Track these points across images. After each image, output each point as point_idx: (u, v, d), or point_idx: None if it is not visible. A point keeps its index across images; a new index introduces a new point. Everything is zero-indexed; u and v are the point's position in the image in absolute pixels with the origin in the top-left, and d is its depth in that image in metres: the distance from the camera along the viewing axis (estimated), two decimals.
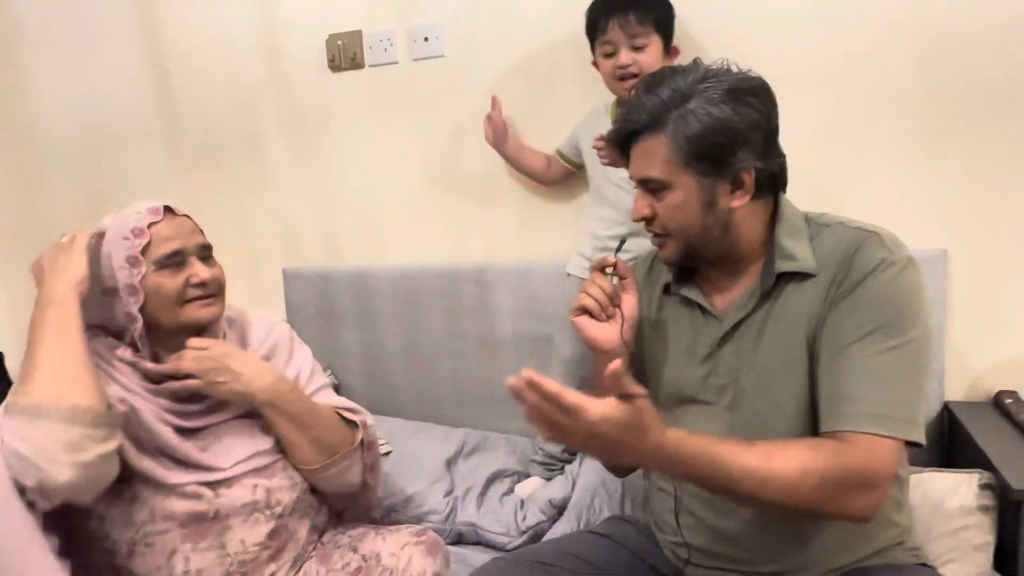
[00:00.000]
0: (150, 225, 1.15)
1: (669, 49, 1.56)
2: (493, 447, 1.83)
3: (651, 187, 1.01)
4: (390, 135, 2.03)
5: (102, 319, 1.18)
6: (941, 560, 1.21)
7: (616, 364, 0.80)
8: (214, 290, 1.20)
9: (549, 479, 1.69)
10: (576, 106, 1.75)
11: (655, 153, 0.99)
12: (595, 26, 1.56)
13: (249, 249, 2.26)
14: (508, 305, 1.89)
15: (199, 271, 1.17)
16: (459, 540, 1.58)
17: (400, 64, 1.98)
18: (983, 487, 1.25)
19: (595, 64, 1.61)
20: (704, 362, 1.07)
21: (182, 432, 1.16)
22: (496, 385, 1.94)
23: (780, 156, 1.02)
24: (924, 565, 1.05)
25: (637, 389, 0.82)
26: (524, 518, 1.56)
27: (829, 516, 0.93)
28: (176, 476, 1.13)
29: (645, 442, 0.83)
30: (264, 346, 1.30)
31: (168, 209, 1.19)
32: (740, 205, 1.00)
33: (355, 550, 1.24)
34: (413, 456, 1.77)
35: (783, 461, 0.86)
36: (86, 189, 2.39)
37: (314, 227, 2.18)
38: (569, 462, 1.73)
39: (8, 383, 2.09)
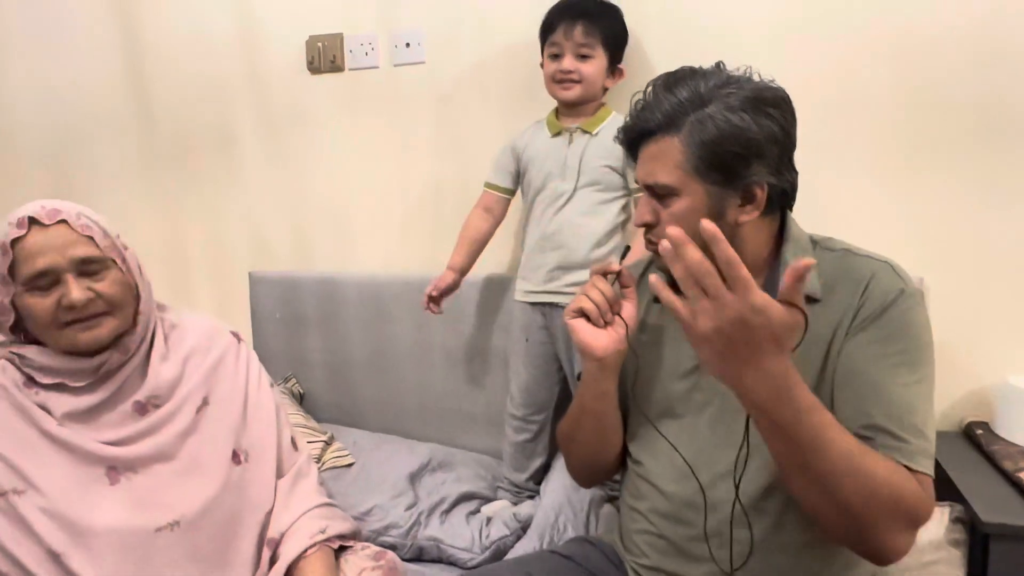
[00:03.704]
0: (14, 242, 1.00)
1: (615, 70, 1.58)
2: (460, 464, 1.78)
3: (658, 192, 0.97)
4: (366, 140, 2.00)
5: None
6: None
7: (809, 261, 0.74)
8: (97, 310, 1.04)
9: (516, 503, 1.67)
10: None
11: (666, 157, 0.95)
12: (547, 27, 1.58)
13: (216, 250, 2.21)
14: (477, 320, 1.85)
15: (70, 291, 1.01)
16: (419, 555, 1.53)
17: (380, 69, 1.95)
18: (955, 521, 1.24)
19: (542, 66, 1.62)
20: (689, 375, 1.04)
21: None
22: (463, 399, 1.90)
23: (793, 172, 0.99)
24: None
25: (803, 306, 0.77)
26: (488, 535, 1.52)
27: (868, 544, 0.88)
28: None
29: (778, 358, 0.77)
30: (204, 358, 1.17)
31: (34, 221, 1.01)
32: (748, 220, 0.96)
33: None
34: (375, 469, 1.72)
35: (875, 460, 0.84)
36: (55, 180, 2.32)
37: (283, 230, 2.14)
38: (536, 492, 1.70)
39: None
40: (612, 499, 1.56)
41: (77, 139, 2.28)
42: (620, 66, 1.60)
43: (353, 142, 2.01)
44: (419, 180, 1.97)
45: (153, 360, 1.13)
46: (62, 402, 1.05)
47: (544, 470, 1.72)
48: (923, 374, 0.90)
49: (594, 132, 1.57)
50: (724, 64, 0.97)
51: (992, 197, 1.52)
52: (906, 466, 0.86)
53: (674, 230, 0.75)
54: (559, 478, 1.62)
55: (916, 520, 0.86)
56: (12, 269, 1.01)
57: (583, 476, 1.23)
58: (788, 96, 0.96)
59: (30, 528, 0.99)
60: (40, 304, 1.01)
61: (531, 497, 1.69)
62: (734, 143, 0.91)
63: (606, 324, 1.02)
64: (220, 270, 2.20)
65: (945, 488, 1.32)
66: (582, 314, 1.02)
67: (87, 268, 1.04)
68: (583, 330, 1.02)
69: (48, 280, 1.01)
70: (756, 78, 0.96)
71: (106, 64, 2.20)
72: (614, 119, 1.57)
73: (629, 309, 1.04)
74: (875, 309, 0.92)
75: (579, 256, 1.56)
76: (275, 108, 2.07)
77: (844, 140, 1.59)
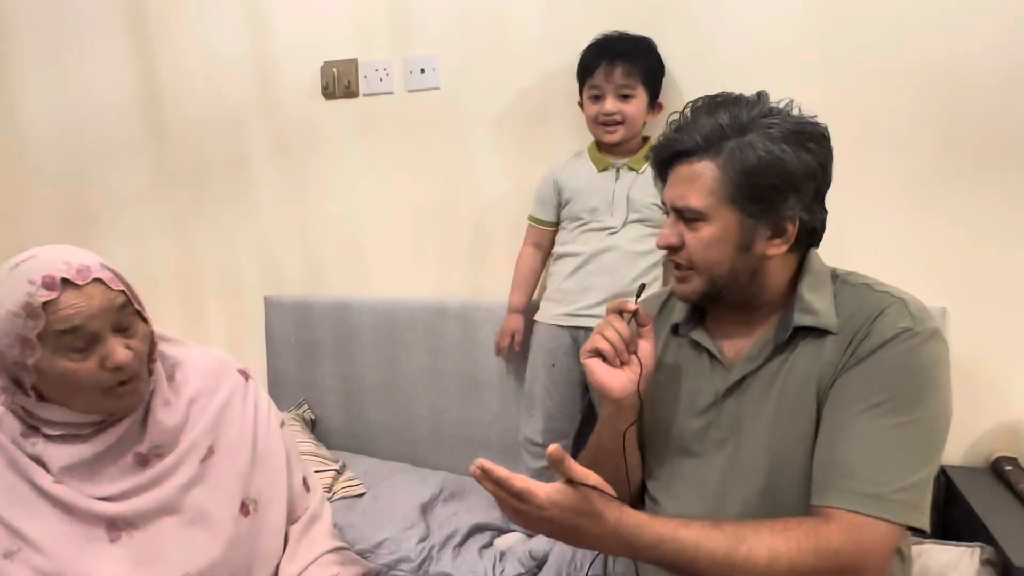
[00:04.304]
0: (45, 305, 0.91)
1: (654, 104, 1.60)
2: (472, 494, 1.75)
3: (686, 216, 0.95)
4: (380, 165, 1.99)
5: None
6: None
7: (554, 448, 0.80)
8: (134, 371, 0.98)
9: (530, 536, 1.63)
10: (568, 141, 1.73)
11: (700, 180, 0.92)
12: (586, 69, 1.60)
13: (229, 274, 2.20)
14: (492, 344, 1.83)
15: (115, 353, 0.95)
16: None
17: (395, 94, 1.95)
18: (984, 563, 1.19)
19: (581, 105, 1.64)
20: (705, 412, 1.01)
21: None
22: (476, 427, 1.87)
23: (824, 211, 0.97)
24: None
25: (582, 474, 0.81)
26: (502, 571, 1.49)
27: None
28: None
29: (601, 526, 0.81)
30: (209, 402, 1.10)
31: (67, 283, 0.93)
32: (776, 254, 0.94)
33: None
34: (387, 499, 1.70)
35: (751, 547, 0.82)
36: (70, 204, 2.34)
37: (297, 254, 2.13)
38: None
39: None
40: None
41: (92, 162, 2.29)
42: (659, 101, 1.62)
43: (367, 167, 2.01)
44: (433, 205, 1.96)
45: (155, 406, 1.05)
46: (60, 454, 0.99)
47: None
48: (913, 417, 0.86)
49: (640, 170, 1.59)
50: (767, 94, 0.95)
51: (1018, 224, 1.49)
52: (834, 508, 0.84)
53: (473, 470, 0.81)
54: None
55: (847, 566, 0.82)
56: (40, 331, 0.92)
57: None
58: (828, 133, 0.94)
59: None
60: (81, 368, 0.94)
61: None
62: (773, 175, 0.90)
63: (623, 364, 1.00)
64: (233, 294, 2.20)
65: (973, 527, 1.28)
66: (599, 354, 1.00)
67: (121, 325, 0.98)
68: (600, 371, 0.99)
69: (86, 342, 0.94)
70: (796, 112, 0.94)
71: (121, 88, 2.22)
72: None
73: (646, 348, 1.01)
74: (871, 346, 0.89)
75: (623, 284, 1.57)
76: (289, 133, 2.07)
77: (865, 167, 1.56)
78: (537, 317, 1.70)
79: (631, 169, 1.60)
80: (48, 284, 0.92)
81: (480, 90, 1.85)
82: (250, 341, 2.14)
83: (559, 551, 1.49)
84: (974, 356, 1.52)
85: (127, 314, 0.98)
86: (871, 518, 0.82)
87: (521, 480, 0.79)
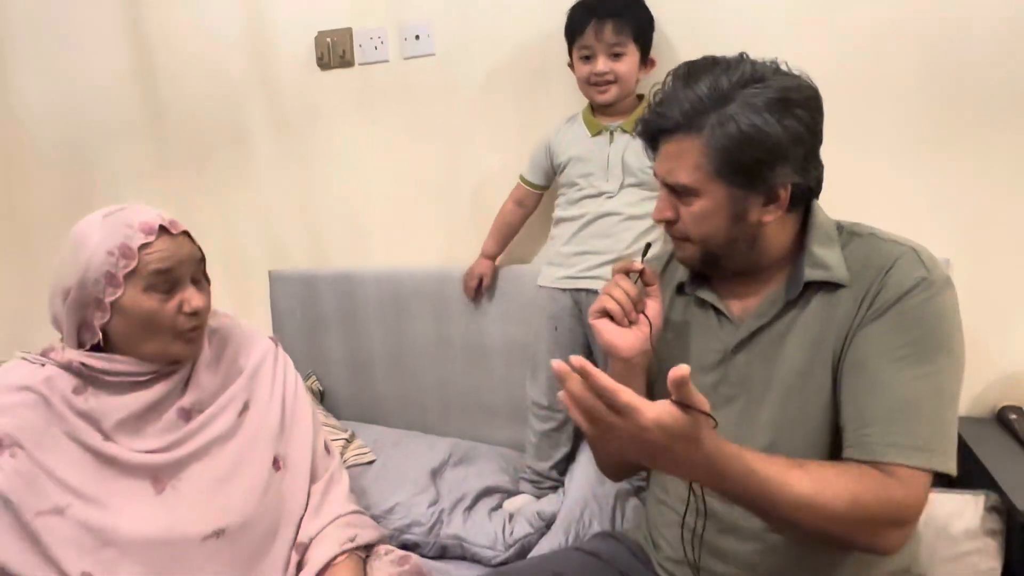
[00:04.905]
0: (141, 247, 1.02)
1: (646, 60, 1.58)
2: (481, 459, 1.77)
3: (677, 191, 0.95)
4: (379, 135, 1.98)
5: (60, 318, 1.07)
6: None
7: (683, 370, 0.71)
8: (203, 321, 1.09)
9: (539, 497, 1.65)
10: (567, 104, 1.71)
11: (685, 156, 0.92)
12: (574, 29, 1.56)
13: (233, 250, 2.20)
14: (498, 312, 1.84)
15: (192, 297, 1.06)
16: (443, 554, 1.53)
17: (390, 62, 1.93)
18: (990, 509, 1.20)
19: (571, 66, 1.61)
20: (714, 369, 1.02)
21: None
22: (484, 394, 1.89)
23: (818, 167, 0.96)
24: None
25: (700, 400, 0.73)
26: (511, 532, 1.51)
27: (856, 547, 0.88)
28: None
29: (695, 451, 0.75)
30: (245, 363, 1.20)
31: (164, 229, 1.05)
32: (771, 219, 0.94)
33: None
34: (397, 465, 1.71)
35: (834, 492, 0.81)
36: (70, 185, 2.33)
37: (298, 228, 2.13)
38: (560, 483, 1.69)
39: None
40: (639, 491, 1.54)
41: (91, 144, 2.28)
42: (651, 57, 1.59)
43: (365, 137, 2.00)
44: (433, 172, 1.95)
45: (199, 365, 1.13)
46: (112, 407, 1.04)
47: (567, 460, 1.71)
48: (937, 366, 0.87)
49: (634, 133, 1.56)
50: (748, 55, 0.92)
51: (1021, 175, 1.47)
52: (892, 464, 0.84)
53: (557, 366, 0.73)
54: (584, 471, 1.61)
55: (901, 516, 0.84)
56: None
57: (612, 471, 1.21)
58: (816, 92, 0.92)
59: (69, 547, 0.98)
60: (162, 309, 1.03)
61: (554, 488, 1.68)
62: (757, 147, 0.88)
63: (631, 323, 1.00)
64: (237, 270, 2.20)
65: (979, 475, 1.29)
66: (606, 314, 1.00)
67: (197, 277, 1.10)
68: (608, 330, 0.99)
69: (171, 285, 1.04)
70: (783, 68, 0.92)
71: (117, 67, 2.19)
72: None
73: (654, 307, 1.01)
74: (890, 298, 0.89)
75: (622, 247, 1.57)
76: (286, 106, 2.05)
77: (867, 120, 1.55)
78: (539, 282, 1.70)
79: (625, 132, 1.58)
80: (146, 229, 1.03)
81: (476, 55, 1.83)
82: (256, 316, 2.15)
83: (567, 510, 1.51)
84: (978, 307, 1.50)
85: (201, 270, 1.11)
86: (920, 471, 0.84)
87: (628, 394, 0.71)
